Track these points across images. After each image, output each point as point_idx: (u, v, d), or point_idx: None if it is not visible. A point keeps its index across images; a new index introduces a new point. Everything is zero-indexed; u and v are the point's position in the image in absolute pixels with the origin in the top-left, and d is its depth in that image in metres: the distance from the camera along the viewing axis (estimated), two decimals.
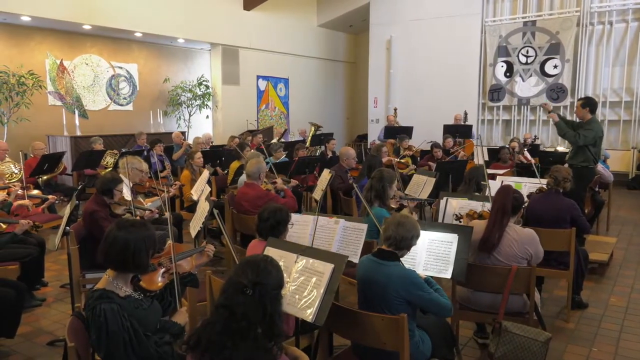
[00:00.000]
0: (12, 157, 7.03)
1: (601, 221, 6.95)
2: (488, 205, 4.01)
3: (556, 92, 11.42)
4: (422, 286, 2.60)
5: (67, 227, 3.63)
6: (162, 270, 2.54)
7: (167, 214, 3.34)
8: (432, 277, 3.06)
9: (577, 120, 6.15)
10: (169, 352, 2.25)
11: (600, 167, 6.41)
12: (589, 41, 11.11)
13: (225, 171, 7.43)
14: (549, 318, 4.08)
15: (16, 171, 6.54)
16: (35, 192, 5.47)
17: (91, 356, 2.28)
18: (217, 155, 7.96)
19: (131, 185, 4.92)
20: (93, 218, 3.97)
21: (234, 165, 6.88)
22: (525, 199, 4.55)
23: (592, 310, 4.33)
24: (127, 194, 4.73)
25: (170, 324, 2.44)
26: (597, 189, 6.53)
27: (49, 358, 3.57)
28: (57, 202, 5.35)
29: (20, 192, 5.04)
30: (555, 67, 11.40)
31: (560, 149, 10.00)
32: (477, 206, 4.13)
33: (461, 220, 3.91)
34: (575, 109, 6.38)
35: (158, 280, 2.49)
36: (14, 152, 7.88)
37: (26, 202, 4.55)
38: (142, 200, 4.96)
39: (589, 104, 5.86)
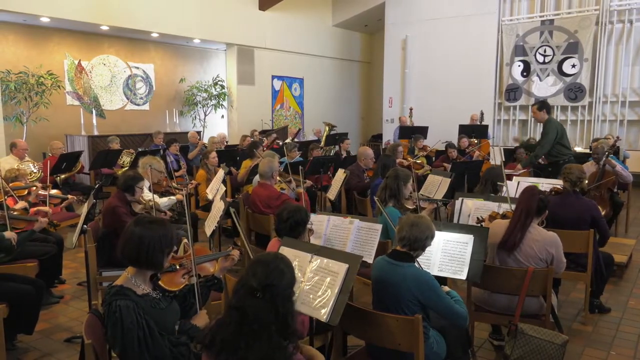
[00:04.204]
0: (30, 156, 7.14)
1: (620, 223, 6.84)
2: (504, 206, 3.97)
3: (574, 91, 11.27)
4: (437, 289, 2.57)
5: (85, 226, 3.67)
6: (184, 271, 2.54)
7: (186, 217, 3.34)
8: (447, 279, 3.05)
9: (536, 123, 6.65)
10: (184, 353, 2.25)
11: (619, 167, 6.32)
12: (608, 40, 10.94)
13: (238, 170, 7.45)
14: (567, 321, 4.03)
15: (35, 170, 6.64)
16: (54, 191, 5.55)
17: (108, 353, 2.30)
18: (231, 155, 7.99)
19: (149, 184, 4.97)
20: (115, 213, 4.02)
21: (246, 163, 6.91)
22: None
23: (610, 313, 4.26)
24: (147, 194, 4.79)
25: (193, 329, 2.42)
26: (615, 190, 6.43)
27: (67, 355, 3.62)
28: (75, 202, 5.42)
29: (41, 192, 5.12)
30: (574, 66, 11.25)
31: (578, 149, 9.87)
32: (494, 207, 4.09)
33: (483, 223, 3.87)
34: (532, 114, 7.21)
35: (178, 280, 2.49)
36: (33, 151, 8.01)
37: (45, 208, 4.60)
38: (158, 199, 5.01)
39: (544, 105, 6.52)
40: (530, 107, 11.79)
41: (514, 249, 3.28)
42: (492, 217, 3.78)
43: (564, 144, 6.40)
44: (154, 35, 10.64)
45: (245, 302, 1.82)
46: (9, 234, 3.61)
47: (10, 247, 3.59)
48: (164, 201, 5.08)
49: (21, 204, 4.42)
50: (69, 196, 5.42)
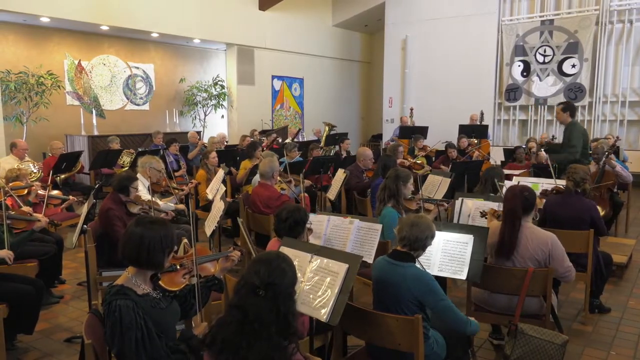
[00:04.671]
0: (30, 156, 7.14)
1: (620, 223, 6.84)
2: None
3: (574, 91, 11.27)
4: (437, 289, 2.57)
5: (85, 226, 3.67)
6: (184, 271, 2.54)
7: (186, 215, 3.35)
8: (446, 277, 3.04)
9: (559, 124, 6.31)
10: None
11: (618, 167, 6.32)
12: (608, 40, 10.95)
13: (238, 170, 7.45)
14: (567, 321, 4.03)
15: (35, 170, 6.64)
16: (55, 192, 5.54)
17: (108, 353, 2.30)
18: (231, 155, 7.99)
19: (148, 184, 4.96)
20: (107, 216, 4.03)
21: (245, 163, 6.91)
22: (537, 195, 4.51)
23: (610, 313, 4.26)
24: (145, 194, 4.78)
25: (193, 338, 2.39)
26: (615, 190, 6.43)
27: (67, 355, 3.62)
28: (76, 202, 5.42)
29: (41, 192, 5.12)
30: (574, 66, 11.25)
31: None
32: (494, 207, 4.09)
33: (486, 217, 3.87)
34: (555, 114, 6.61)
35: (178, 280, 2.49)
36: (33, 151, 8.01)
37: (40, 216, 4.55)
38: (157, 201, 5.00)
39: (570, 108, 6.10)
40: (530, 106, 11.82)
41: (511, 253, 3.27)
42: (491, 213, 3.79)
43: (585, 152, 6.12)
44: (154, 35, 10.64)
45: (247, 301, 1.82)
46: (3, 253, 3.51)
47: (5, 263, 3.55)
48: (161, 204, 5.06)
49: (26, 209, 4.41)
50: (70, 197, 5.42)
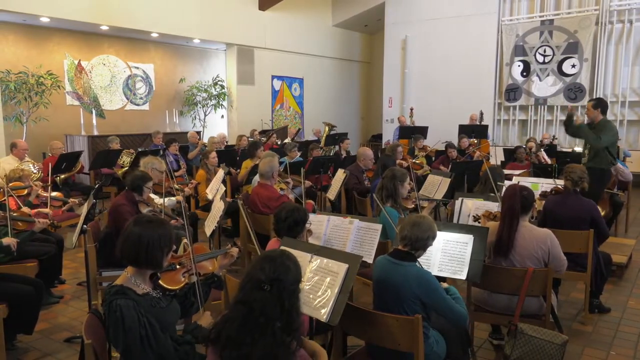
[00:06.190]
0: (30, 156, 7.13)
1: (620, 223, 6.84)
2: None
3: (574, 91, 11.26)
4: (438, 289, 2.58)
5: (85, 226, 3.67)
6: (183, 270, 2.54)
7: (182, 217, 3.34)
8: (446, 278, 3.05)
9: (587, 121, 6.09)
10: (189, 352, 2.25)
11: (619, 165, 6.31)
12: (607, 40, 10.94)
13: (237, 170, 7.45)
14: (566, 321, 4.03)
15: (35, 171, 6.63)
16: (56, 193, 5.54)
17: (107, 353, 2.30)
18: (231, 155, 7.99)
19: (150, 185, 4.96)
20: (118, 211, 4.02)
21: (246, 163, 6.91)
22: (537, 196, 4.51)
23: (610, 313, 4.26)
24: (157, 198, 4.78)
25: (198, 329, 2.40)
26: (615, 190, 6.43)
27: (67, 354, 3.62)
28: (77, 204, 5.42)
29: (43, 193, 5.12)
30: (573, 66, 11.25)
31: (578, 149, 9.86)
32: (493, 207, 4.09)
33: (479, 221, 3.88)
34: (585, 110, 6.23)
35: (178, 279, 2.49)
36: (33, 151, 8.01)
37: (46, 210, 4.62)
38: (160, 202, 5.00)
39: (601, 104, 5.79)
40: (530, 106, 11.81)
41: (509, 252, 3.28)
42: (486, 216, 3.79)
43: (612, 151, 5.79)
44: (154, 35, 10.64)
45: (252, 296, 1.85)
46: (7, 240, 3.57)
47: (9, 251, 3.58)
48: (166, 202, 5.07)
49: (25, 210, 4.41)
50: (70, 200, 5.42)
